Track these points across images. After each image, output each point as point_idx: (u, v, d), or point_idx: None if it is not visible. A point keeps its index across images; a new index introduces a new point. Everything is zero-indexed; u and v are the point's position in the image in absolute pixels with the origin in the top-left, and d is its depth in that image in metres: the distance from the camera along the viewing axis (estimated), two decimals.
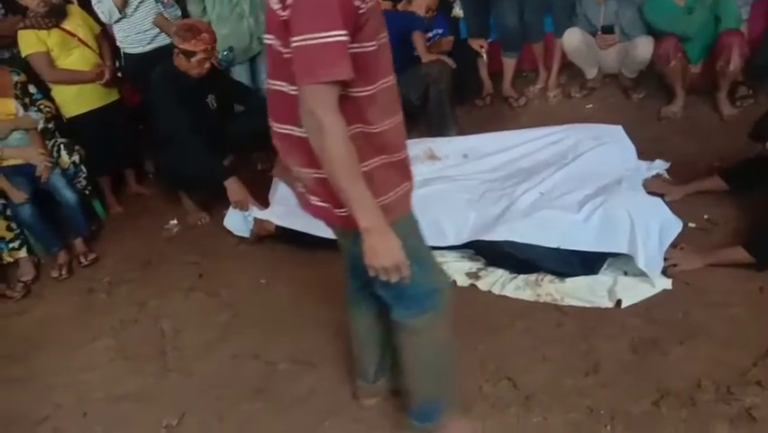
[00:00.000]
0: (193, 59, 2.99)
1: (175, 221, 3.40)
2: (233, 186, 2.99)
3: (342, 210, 1.42)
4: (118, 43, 3.61)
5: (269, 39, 1.40)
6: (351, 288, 1.85)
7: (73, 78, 3.35)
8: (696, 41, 3.47)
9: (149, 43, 3.54)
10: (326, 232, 2.78)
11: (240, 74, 3.67)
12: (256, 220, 2.99)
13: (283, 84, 1.41)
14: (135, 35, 3.51)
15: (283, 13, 1.29)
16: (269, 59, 1.43)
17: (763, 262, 2.33)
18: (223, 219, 3.18)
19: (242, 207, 3.01)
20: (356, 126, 1.39)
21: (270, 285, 2.80)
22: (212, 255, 3.06)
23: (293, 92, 1.36)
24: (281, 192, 3.04)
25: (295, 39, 1.27)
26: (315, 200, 1.48)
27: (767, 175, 2.58)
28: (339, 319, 2.48)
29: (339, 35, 1.25)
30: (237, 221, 3.11)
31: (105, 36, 3.59)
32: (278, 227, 2.94)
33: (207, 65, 3.06)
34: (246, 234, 3.07)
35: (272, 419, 2.14)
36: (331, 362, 2.31)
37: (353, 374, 2.10)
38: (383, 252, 1.36)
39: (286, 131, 1.45)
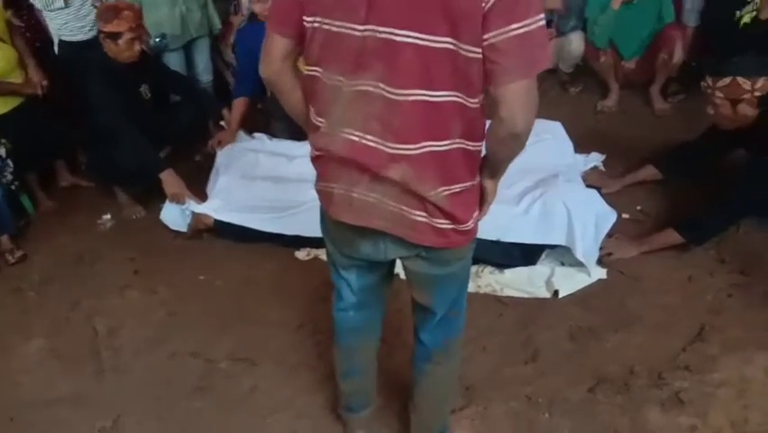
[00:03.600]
0: (120, 42, 2.86)
1: (109, 216, 3.26)
2: (168, 178, 2.90)
3: (467, 225, 1.34)
4: (54, 31, 3.42)
5: (419, 38, 1.13)
6: (366, 317, 1.69)
7: (7, 90, 3.14)
8: (631, 38, 3.57)
9: (90, 30, 3.36)
10: (265, 226, 2.77)
11: (174, 63, 3.55)
12: (194, 214, 2.90)
13: (441, 93, 1.17)
14: (75, 22, 3.34)
15: (485, 3, 1.09)
16: (410, 67, 1.15)
17: (693, 240, 2.44)
18: (159, 213, 3.08)
19: (179, 199, 2.91)
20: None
21: (209, 281, 2.72)
22: (148, 251, 2.95)
23: (471, 103, 1.19)
24: (220, 185, 2.97)
25: (514, 26, 1.09)
26: (440, 223, 1.30)
27: (697, 161, 2.71)
28: (279, 316, 2.46)
29: (544, 17, 1.13)
30: (174, 215, 3.01)
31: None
32: (217, 221, 2.86)
33: (137, 47, 2.92)
34: (183, 229, 2.98)
35: (213, 417, 2.09)
36: (272, 359, 2.28)
37: (341, 409, 1.94)
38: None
39: (425, 150, 1.22)
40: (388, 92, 1.18)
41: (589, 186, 2.79)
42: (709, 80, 2.37)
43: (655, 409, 1.92)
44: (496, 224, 2.44)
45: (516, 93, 1.13)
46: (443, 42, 1.12)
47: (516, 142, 1.22)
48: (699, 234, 2.44)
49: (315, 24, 1.22)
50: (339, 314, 1.68)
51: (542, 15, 1.12)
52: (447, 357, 1.66)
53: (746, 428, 1.83)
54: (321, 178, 1.40)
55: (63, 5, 3.24)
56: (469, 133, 1.24)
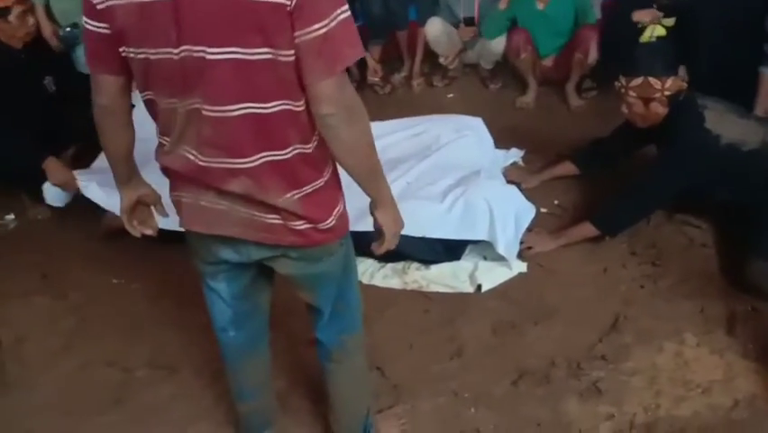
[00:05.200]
0: (11, 18, 2.64)
1: (12, 216, 3.05)
2: (52, 167, 2.70)
3: (327, 223, 1.33)
4: None
5: (236, 52, 1.11)
6: (247, 334, 1.65)
7: None
8: (547, 38, 3.69)
9: None
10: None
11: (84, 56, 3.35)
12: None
13: (272, 103, 1.17)
14: None
15: (289, 3, 1.07)
16: (230, 82, 1.14)
17: (607, 231, 2.53)
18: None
19: (69, 188, 2.73)
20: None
21: (124, 285, 2.60)
22: (56, 254, 2.78)
23: (297, 107, 1.18)
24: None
25: (316, 27, 1.09)
26: (297, 225, 1.30)
27: (611, 156, 2.83)
28: (200, 320, 2.34)
29: (347, 8, 1.14)
30: (54, 193, 2.84)
31: None
32: None
33: (32, 20, 2.71)
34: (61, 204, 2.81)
35: (129, 431, 1.99)
36: (193, 365, 2.20)
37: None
38: (399, 219, 1.43)
39: (264, 159, 1.22)
40: (211, 110, 1.18)
41: (509, 182, 2.86)
42: (623, 80, 2.46)
43: (574, 399, 1.99)
44: (421, 220, 2.46)
45: (326, 90, 1.14)
46: (262, 53, 1.12)
47: (345, 142, 1.21)
48: (613, 227, 2.54)
49: (131, 55, 1.20)
50: (219, 335, 1.64)
51: (344, 8, 1.12)
52: (347, 355, 1.65)
53: (658, 412, 1.92)
54: (171, 189, 1.39)
55: None
56: (304, 138, 1.24)
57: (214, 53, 1.11)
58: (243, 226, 1.31)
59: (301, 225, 1.31)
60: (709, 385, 1.99)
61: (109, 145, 1.39)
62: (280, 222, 1.30)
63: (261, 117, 1.18)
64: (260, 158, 1.22)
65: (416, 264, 2.51)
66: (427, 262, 2.50)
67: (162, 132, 1.30)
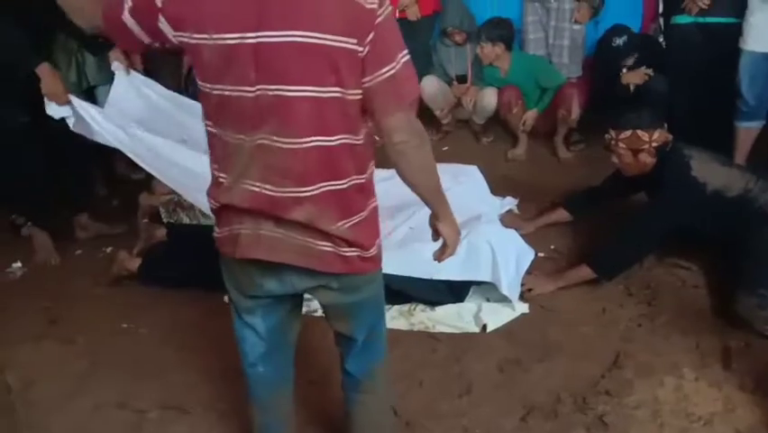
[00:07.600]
0: None
1: (19, 263, 3.09)
2: (45, 73, 2.58)
3: (370, 251, 1.44)
4: None
5: (311, 90, 1.24)
6: (275, 368, 1.68)
7: None
8: (534, 95, 3.92)
9: None
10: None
11: None
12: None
13: (337, 137, 1.30)
14: None
15: (362, 50, 1.23)
16: (304, 117, 1.26)
17: (603, 274, 2.64)
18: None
19: (57, 100, 2.55)
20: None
21: (133, 329, 2.63)
22: (64, 299, 2.81)
23: (357, 140, 1.33)
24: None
25: (385, 70, 1.25)
26: (346, 252, 1.40)
27: (603, 203, 2.98)
28: (207, 362, 2.40)
29: (407, 51, 1.31)
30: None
31: None
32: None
33: None
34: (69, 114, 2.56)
35: None
36: (203, 405, 2.22)
37: None
38: (458, 229, 1.60)
39: (323, 189, 1.33)
40: (283, 142, 1.29)
41: (506, 228, 2.97)
42: (612, 133, 2.62)
43: None
44: (426, 262, 2.53)
45: (398, 122, 1.30)
46: (332, 92, 1.26)
47: (416, 164, 1.37)
48: (610, 270, 2.65)
49: (206, 90, 1.31)
50: (248, 371, 1.68)
51: (405, 51, 1.29)
52: (375, 385, 1.70)
53: None
54: (224, 225, 1.45)
55: None
56: (359, 168, 1.37)
57: (293, 91, 1.25)
58: (298, 253, 1.39)
59: (350, 252, 1.40)
60: (710, 417, 2.06)
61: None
62: (331, 249, 1.39)
63: (327, 150, 1.30)
64: (320, 187, 1.33)
65: (421, 306, 2.59)
66: (432, 303, 2.58)
67: (221, 168, 1.38)
